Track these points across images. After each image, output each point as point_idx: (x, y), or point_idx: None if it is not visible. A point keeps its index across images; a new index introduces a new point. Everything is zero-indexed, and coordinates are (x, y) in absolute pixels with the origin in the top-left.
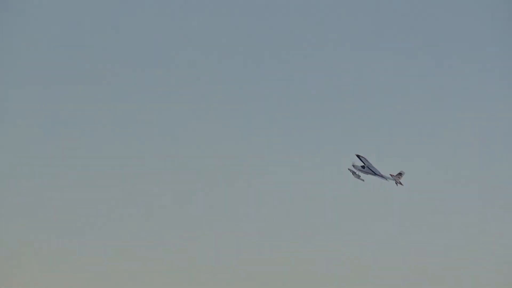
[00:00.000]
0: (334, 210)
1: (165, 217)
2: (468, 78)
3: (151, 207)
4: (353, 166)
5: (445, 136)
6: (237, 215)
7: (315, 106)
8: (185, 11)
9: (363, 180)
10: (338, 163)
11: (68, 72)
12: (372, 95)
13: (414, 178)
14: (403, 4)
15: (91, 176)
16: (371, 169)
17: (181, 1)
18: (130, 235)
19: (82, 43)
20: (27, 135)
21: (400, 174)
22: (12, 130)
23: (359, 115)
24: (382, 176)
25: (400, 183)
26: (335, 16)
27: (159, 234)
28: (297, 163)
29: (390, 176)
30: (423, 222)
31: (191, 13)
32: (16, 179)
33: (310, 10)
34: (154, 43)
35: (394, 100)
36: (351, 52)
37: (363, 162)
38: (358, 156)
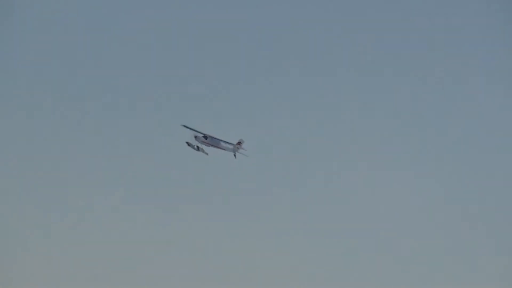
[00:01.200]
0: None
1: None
2: None
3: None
4: (195, 138)
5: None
6: None
7: None
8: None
9: (207, 154)
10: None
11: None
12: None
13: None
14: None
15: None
16: (215, 139)
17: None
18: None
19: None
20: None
21: (239, 143)
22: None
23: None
24: (227, 146)
25: (240, 153)
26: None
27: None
28: None
29: (233, 145)
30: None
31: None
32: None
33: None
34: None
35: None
36: None
37: (201, 133)
38: (186, 126)
